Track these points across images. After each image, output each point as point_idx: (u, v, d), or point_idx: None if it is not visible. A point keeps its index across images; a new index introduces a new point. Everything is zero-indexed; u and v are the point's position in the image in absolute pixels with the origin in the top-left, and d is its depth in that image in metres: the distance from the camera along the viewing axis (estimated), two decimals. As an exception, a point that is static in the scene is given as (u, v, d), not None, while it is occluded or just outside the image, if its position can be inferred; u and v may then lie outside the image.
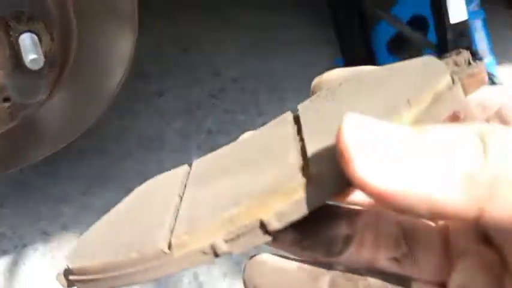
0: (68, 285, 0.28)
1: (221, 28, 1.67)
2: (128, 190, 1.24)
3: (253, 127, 0.35)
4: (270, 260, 0.26)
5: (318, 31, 1.67)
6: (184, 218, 0.26)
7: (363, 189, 0.21)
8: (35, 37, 0.72)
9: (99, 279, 0.27)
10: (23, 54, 0.71)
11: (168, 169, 0.38)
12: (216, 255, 0.25)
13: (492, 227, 0.20)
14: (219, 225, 0.24)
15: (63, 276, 0.29)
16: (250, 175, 0.26)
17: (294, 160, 0.25)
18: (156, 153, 1.35)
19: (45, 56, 0.74)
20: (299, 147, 0.26)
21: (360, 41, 1.41)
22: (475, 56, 1.14)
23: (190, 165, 0.33)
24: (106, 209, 1.24)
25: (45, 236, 1.19)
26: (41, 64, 0.71)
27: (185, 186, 0.30)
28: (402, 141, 0.21)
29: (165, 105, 1.45)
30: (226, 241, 0.24)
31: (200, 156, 0.36)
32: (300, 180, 0.23)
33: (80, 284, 0.28)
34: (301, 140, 0.27)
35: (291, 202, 0.23)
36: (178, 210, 0.28)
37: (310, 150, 0.25)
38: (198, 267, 1.14)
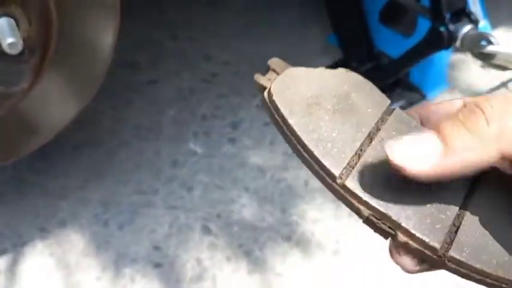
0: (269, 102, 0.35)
1: (211, 12, 1.65)
2: (125, 182, 1.23)
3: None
4: None
5: (310, 11, 1.64)
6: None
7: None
8: (12, 21, 0.69)
9: None
10: (0, 39, 0.68)
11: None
12: None
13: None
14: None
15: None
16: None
17: None
18: (152, 142, 1.32)
19: (24, 41, 0.71)
20: None
21: (352, 13, 1.38)
22: (470, 17, 1.12)
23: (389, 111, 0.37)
24: (104, 202, 1.22)
25: (43, 232, 1.17)
26: (20, 48, 0.69)
27: None
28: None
29: (158, 94, 1.43)
30: None
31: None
32: None
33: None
34: None
35: None
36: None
37: None
38: (200, 252, 1.12)
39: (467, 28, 1.06)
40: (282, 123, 0.34)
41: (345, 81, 0.37)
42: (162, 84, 1.45)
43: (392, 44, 1.36)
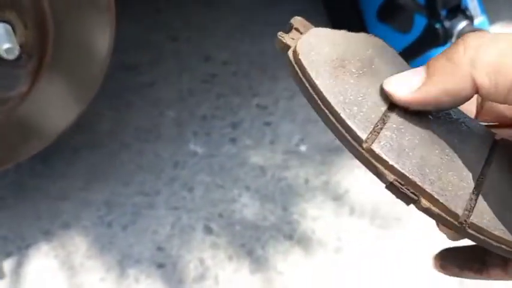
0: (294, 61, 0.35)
1: (208, 12, 1.65)
2: (127, 183, 1.24)
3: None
4: None
5: (309, 9, 1.64)
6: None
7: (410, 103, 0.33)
8: (8, 26, 0.70)
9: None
10: (-3, 45, 0.69)
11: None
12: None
13: (486, 95, 0.31)
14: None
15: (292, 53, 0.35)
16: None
17: None
18: (153, 144, 1.33)
19: (21, 46, 0.72)
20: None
21: (349, 11, 1.38)
22: (466, 13, 1.12)
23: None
24: (106, 204, 1.24)
25: (47, 235, 1.18)
26: (16, 53, 0.70)
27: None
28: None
29: (158, 95, 1.44)
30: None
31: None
32: None
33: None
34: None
35: None
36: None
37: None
38: (203, 252, 1.13)
39: (462, 24, 1.06)
40: (307, 85, 0.34)
41: (369, 45, 0.37)
42: (162, 85, 1.46)
43: (390, 41, 1.36)
